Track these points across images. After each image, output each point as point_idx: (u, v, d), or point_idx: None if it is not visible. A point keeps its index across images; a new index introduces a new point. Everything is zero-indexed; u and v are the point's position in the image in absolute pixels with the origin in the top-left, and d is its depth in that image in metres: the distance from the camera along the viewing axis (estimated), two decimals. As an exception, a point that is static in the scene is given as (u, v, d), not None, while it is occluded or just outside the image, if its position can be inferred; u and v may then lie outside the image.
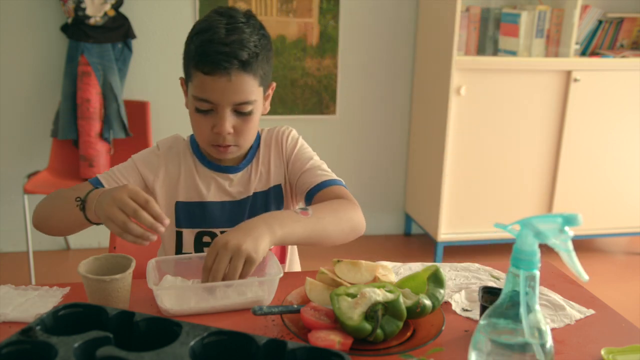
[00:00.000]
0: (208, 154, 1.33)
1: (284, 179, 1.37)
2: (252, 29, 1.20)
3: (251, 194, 1.34)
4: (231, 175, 1.33)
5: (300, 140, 1.41)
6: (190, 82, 1.22)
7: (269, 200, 1.35)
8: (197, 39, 1.18)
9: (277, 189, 1.37)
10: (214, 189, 1.33)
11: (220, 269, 1.03)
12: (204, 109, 1.21)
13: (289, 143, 1.38)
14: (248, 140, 1.28)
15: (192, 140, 1.36)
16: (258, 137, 1.38)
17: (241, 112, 1.22)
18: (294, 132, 1.41)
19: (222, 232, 1.31)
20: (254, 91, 1.22)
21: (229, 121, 1.21)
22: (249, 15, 1.23)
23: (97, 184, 1.26)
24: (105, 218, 1.02)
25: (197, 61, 1.17)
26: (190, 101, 1.24)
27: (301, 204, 1.33)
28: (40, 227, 1.26)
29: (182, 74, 1.30)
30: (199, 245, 1.33)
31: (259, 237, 1.06)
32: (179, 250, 1.34)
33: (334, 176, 1.33)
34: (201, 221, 1.32)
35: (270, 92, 1.33)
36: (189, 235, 1.33)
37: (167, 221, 1.02)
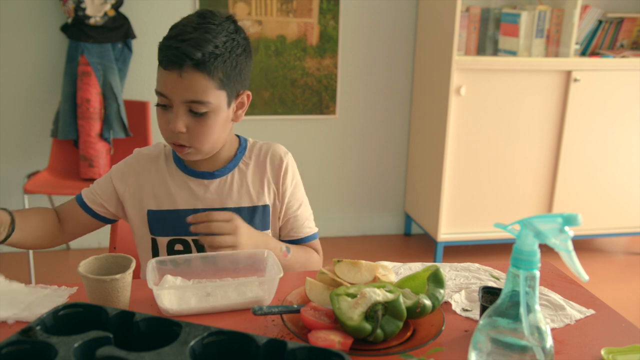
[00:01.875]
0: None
1: (273, 202, 1.37)
2: (221, 31, 1.20)
3: (230, 205, 1.32)
4: (205, 182, 1.32)
5: (297, 176, 1.41)
6: (157, 76, 1.25)
7: (255, 218, 1.34)
8: (167, 34, 1.22)
9: (266, 209, 1.36)
10: (186, 195, 1.32)
11: (215, 228, 1.16)
12: (162, 104, 1.23)
13: (288, 178, 1.37)
14: (205, 144, 1.25)
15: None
16: (243, 148, 1.37)
17: (195, 111, 1.21)
18: (292, 163, 1.39)
19: (193, 241, 1.31)
20: (210, 93, 1.20)
21: (182, 119, 1.21)
22: (229, 19, 1.23)
23: (80, 200, 1.35)
24: None
25: (159, 54, 1.21)
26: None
27: (284, 246, 1.35)
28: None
29: None
30: (171, 253, 1.33)
31: (254, 240, 1.22)
32: (155, 257, 1.34)
33: (314, 229, 1.43)
34: (173, 229, 1.31)
35: (246, 100, 1.30)
36: (162, 242, 1.33)
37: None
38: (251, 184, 1.34)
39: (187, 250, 1.32)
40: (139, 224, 1.34)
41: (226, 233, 1.17)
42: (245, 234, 1.20)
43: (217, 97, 1.22)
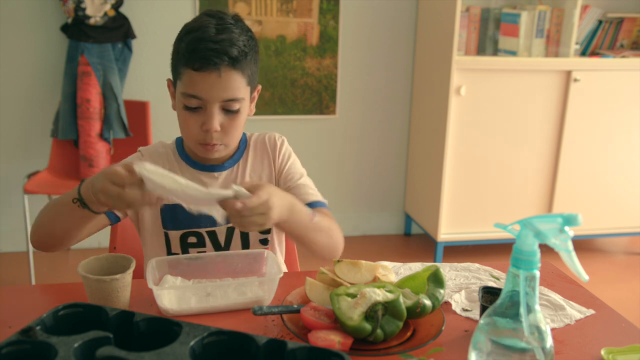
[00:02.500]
0: (194, 154, 1.34)
1: (276, 182, 1.39)
2: (241, 30, 1.23)
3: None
4: (216, 174, 1.34)
5: (293, 154, 1.43)
6: (179, 80, 1.24)
7: None
8: (187, 38, 1.21)
9: None
10: None
11: (248, 214, 1.03)
12: (192, 106, 1.22)
13: (282, 153, 1.39)
14: (234, 140, 1.29)
15: (178, 143, 1.38)
16: (245, 139, 1.40)
17: (229, 109, 1.23)
18: (287, 143, 1.43)
19: (207, 232, 1.32)
20: (242, 89, 1.24)
21: (217, 119, 1.22)
22: (237, 19, 1.26)
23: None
24: (97, 191, 1.03)
25: (188, 58, 1.19)
26: (179, 99, 1.25)
27: (309, 210, 1.32)
28: (41, 244, 1.26)
29: None
30: (185, 246, 1.33)
31: (282, 209, 1.09)
32: (168, 252, 1.34)
33: (321, 197, 1.38)
34: (186, 222, 1.32)
35: (256, 94, 1.34)
36: (175, 236, 1.33)
37: (152, 200, 1.03)
38: (257, 172, 1.37)
39: (200, 242, 1.33)
40: (150, 219, 1.34)
41: (258, 213, 1.08)
42: (277, 205, 1.08)
43: (246, 94, 1.26)
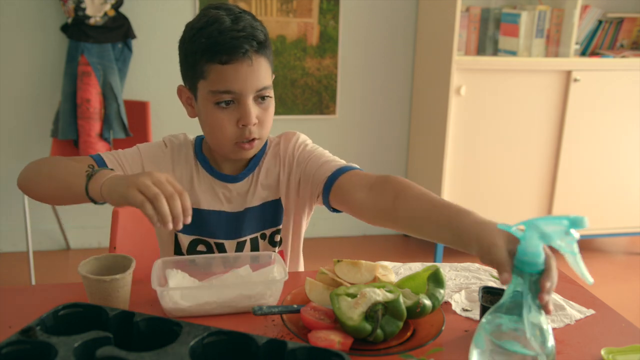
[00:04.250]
0: (212, 159, 1.29)
1: (286, 191, 1.31)
2: (252, 17, 1.19)
3: (250, 205, 1.30)
4: (229, 185, 1.29)
5: (309, 142, 1.35)
6: (204, 79, 1.17)
7: (267, 213, 1.31)
8: (204, 35, 1.14)
9: (275, 203, 1.31)
10: (211, 197, 1.29)
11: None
12: (226, 101, 1.16)
13: (293, 145, 1.31)
14: (268, 132, 1.24)
15: (197, 143, 1.31)
16: (265, 144, 1.33)
17: (262, 98, 1.18)
18: (301, 136, 1.35)
19: (215, 243, 1.30)
20: (269, 76, 1.20)
21: (254, 111, 1.17)
22: (242, 8, 1.22)
23: (100, 162, 1.20)
24: (120, 197, 0.96)
25: (213, 53, 1.13)
26: (207, 100, 1.17)
27: None
28: (25, 187, 1.20)
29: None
30: (193, 254, 1.30)
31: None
32: (177, 254, 1.32)
33: (340, 162, 1.26)
34: (197, 228, 1.28)
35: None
36: (185, 240, 1.30)
37: (189, 219, 0.96)
38: (269, 179, 1.30)
39: (209, 252, 1.30)
40: None
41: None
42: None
43: (272, 81, 1.22)
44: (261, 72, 1.16)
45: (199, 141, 1.32)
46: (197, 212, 1.27)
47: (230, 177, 1.29)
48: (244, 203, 1.30)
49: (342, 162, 1.25)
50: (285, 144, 1.33)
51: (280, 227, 1.33)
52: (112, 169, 1.09)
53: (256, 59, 1.15)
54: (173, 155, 1.29)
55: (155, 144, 1.30)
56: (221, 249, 1.30)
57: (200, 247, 1.31)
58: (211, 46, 1.13)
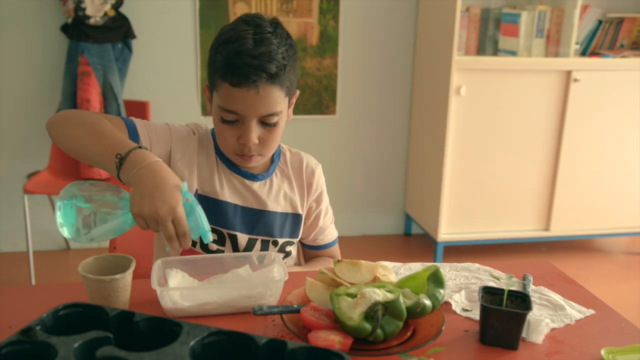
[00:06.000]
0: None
1: (307, 212, 1.40)
2: (280, 40, 1.19)
3: (267, 208, 1.34)
4: (247, 182, 1.33)
5: (324, 184, 1.44)
6: (216, 91, 1.21)
7: (286, 225, 1.37)
8: (224, 50, 1.17)
9: (298, 218, 1.39)
10: (230, 190, 1.32)
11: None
12: (229, 120, 1.20)
13: (316, 184, 1.40)
14: (271, 150, 1.28)
15: (214, 136, 1.35)
16: (279, 153, 1.38)
17: (267, 123, 1.21)
18: (321, 171, 1.43)
19: (229, 234, 1.32)
20: (281, 102, 1.21)
21: (255, 132, 1.21)
22: (276, 24, 1.22)
23: (134, 132, 1.22)
24: (138, 207, 1.00)
25: (225, 72, 1.16)
26: (216, 111, 1.23)
27: None
28: (57, 132, 1.26)
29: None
30: (203, 244, 1.32)
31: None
32: None
33: (335, 234, 1.49)
34: (213, 217, 1.29)
35: (294, 100, 1.31)
36: None
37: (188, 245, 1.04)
38: (289, 192, 1.37)
39: (220, 241, 1.32)
40: None
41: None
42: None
43: (284, 105, 1.23)
44: (269, 100, 1.18)
45: (214, 136, 1.35)
46: (215, 202, 1.30)
47: (250, 175, 1.33)
48: (262, 204, 1.33)
49: (330, 235, 1.48)
50: (308, 174, 1.40)
51: (294, 240, 1.40)
52: (144, 148, 1.10)
53: (264, 88, 1.17)
54: (199, 143, 1.32)
55: (184, 128, 1.32)
56: (233, 240, 1.32)
57: (212, 236, 1.31)
58: (226, 66, 1.16)
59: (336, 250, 1.50)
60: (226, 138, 1.23)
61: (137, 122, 1.25)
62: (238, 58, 1.14)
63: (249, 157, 1.25)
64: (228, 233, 1.32)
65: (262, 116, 1.20)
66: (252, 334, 0.84)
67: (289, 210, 1.37)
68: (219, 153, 1.33)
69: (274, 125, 1.22)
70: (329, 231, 1.47)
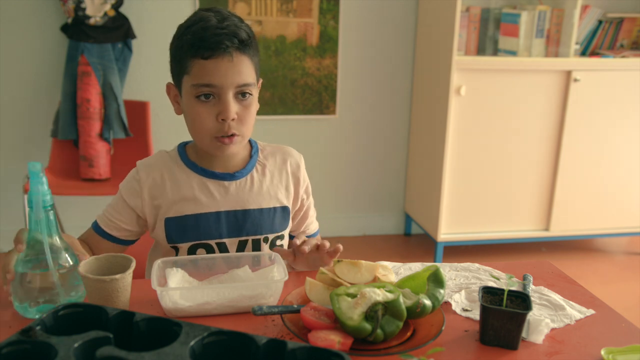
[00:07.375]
0: (200, 160, 1.31)
1: (292, 204, 1.40)
2: (240, 20, 1.24)
3: (251, 207, 1.32)
4: (225, 183, 1.31)
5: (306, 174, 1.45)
6: (187, 74, 1.21)
7: (275, 219, 1.36)
8: (189, 32, 1.20)
9: (285, 210, 1.38)
10: (206, 198, 1.30)
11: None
12: (206, 94, 1.20)
13: (303, 176, 1.42)
14: (249, 130, 1.27)
15: (181, 149, 1.34)
16: (256, 150, 1.38)
17: (243, 94, 1.22)
18: (303, 162, 1.44)
19: (217, 244, 1.30)
20: (252, 75, 1.23)
21: (233, 106, 1.21)
22: (233, 13, 1.26)
23: (99, 230, 1.31)
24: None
25: (196, 49, 1.18)
26: (189, 93, 1.22)
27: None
28: None
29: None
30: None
31: None
32: None
33: (317, 224, 1.51)
34: (194, 234, 1.29)
35: (259, 86, 1.31)
36: (184, 248, 1.31)
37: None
38: (272, 186, 1.35)
39: (209, 253, 1.31)
40: (161, 233, 1.31)
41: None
42: None
43: (255, 80, 1.25)
44: (242, 69, 1.20)
45: (182, 147, 1.35)
46: (193, 218, 1.29)
47: (227, 175, 1.31)
48: (244, 204, 1.32)
49: (314, 225, 1.50)
50: (294, 167, 1.39)
51: (284, 233, 1.38)
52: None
53: (237, 56, 1.20)
54: (147, 176, 1.30)
55: (129, 176, 1.34)
56: (222, 248, 1.31)
57: (200, 251, 1.31)
58: (195, 42, 1.18)
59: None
60: (203, 120, 1.21)
61: (100, 220, 1.32)
62: (206, 32, 1.18)
63: (229, 139, 1.23)
64: (216, 243, 1.30)
65: (237, 86, 1.20)
66: (252, 334, 0.84)
67: (275, 204, 1.35)
68: (189, 164, 1.31)
69: (247, 99, 1.23)
70: (313, 220, 1.50)
